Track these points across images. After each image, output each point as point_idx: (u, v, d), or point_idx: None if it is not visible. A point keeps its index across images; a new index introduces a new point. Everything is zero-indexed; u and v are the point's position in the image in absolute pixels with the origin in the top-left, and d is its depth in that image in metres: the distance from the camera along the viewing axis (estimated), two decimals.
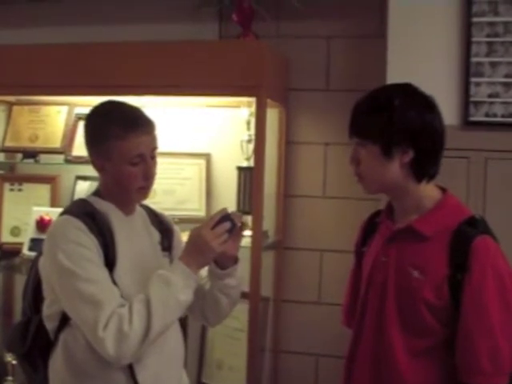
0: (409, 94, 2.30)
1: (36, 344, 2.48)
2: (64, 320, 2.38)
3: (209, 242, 2.32)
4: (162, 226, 2.69)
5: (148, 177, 2.45)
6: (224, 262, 2.49)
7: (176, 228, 2.78)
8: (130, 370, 2.35)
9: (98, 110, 2.52)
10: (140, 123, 2.42)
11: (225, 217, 2.37)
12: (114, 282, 2.34)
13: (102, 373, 2.34)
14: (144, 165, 2.42)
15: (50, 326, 2.43)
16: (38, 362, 2.49)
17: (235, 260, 2.53)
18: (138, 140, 2.39)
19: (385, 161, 2.25)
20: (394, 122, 2.22)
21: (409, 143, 2.23)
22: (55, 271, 2.34)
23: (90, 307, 2.24)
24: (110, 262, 2.36)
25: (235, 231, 2.40)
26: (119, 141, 2.38)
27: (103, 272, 2.32)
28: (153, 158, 2.47)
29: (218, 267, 2.49)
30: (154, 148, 2.48)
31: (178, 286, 2.28)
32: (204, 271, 2.51)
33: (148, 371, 2.39)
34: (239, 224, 2.42)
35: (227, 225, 2.36)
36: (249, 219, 3.53)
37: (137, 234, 2.55)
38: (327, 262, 3.94)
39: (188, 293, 2.31)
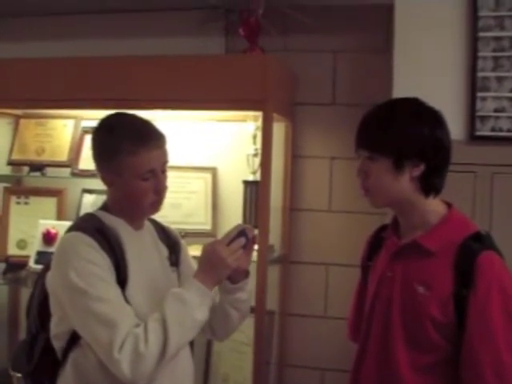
0: (419, 108, 2.31)
1: (42, 363, 2.42)
2: (73, 339, 2.32)
3: (225, 258, 2.27)
4: (170, 240, 2.64)
5: (159, 191, 2.39)
6: (235, 277, 2.44)
7: (183, 242, 2.75)
8: None
9: (106, 123, 2.45)
10: (151, 137, 2.37)
11: (240, 232, 2.34)
12: (127, 301, 2.27)
13: None
14: (155, 179, 2.36)
15: (58, 344, 2.36)
16: (44, 381, 2.43)
17: (246, 274, 2.49)
18: (149, 155, 2.33)
19: (396, 174, 2.24)
20: (408, 136, 2.22)
21: (420, 157, 2.23)
22: (66, 289, 2.27)
23: (103, 327, 2.17)
24: (121, 280, 2.30)
25: (248, 245, 2.38)
26: (130, 156, 2.31)
27: (116, 291, 2.26)
28: (163, 171, 2.42)
29: (229, 281, 2.44)
30: (165, 162, 2.43)
31: (193, 305, 2.22)
32: None
33: None
34: (251, 237, 2.38)
35: (242, 240, 2.33)
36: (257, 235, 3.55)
37: (146, 250, 2.50)
38: (333, 276, 3.93)
39: (204, 311, 2.25)
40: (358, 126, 2.35)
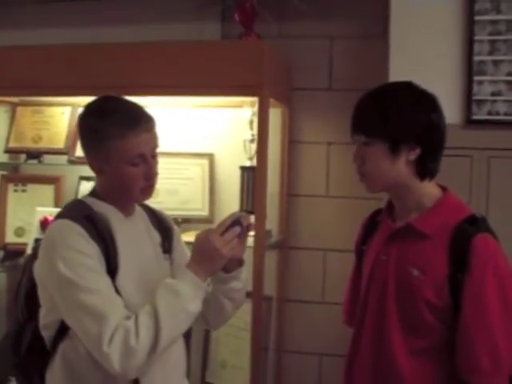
0: (414, 92, 2.31)
1: (31, 353, 2.35)
2: (62, 329, 2.25)
3: (219, 248, 2.18)
4: (162, 225, 2.57)
5: (150, 177, 2.31)
6: (229, 265, 2.35)
7: (176, 227, 2.67)
8: (135, 381, 2.23)
9: (92, 108, 2.37)
10: (139, 120, 2.28)
11: (235, 221, 2.25)
12: (117, 291, 2.20)
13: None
14: (145, 165, 2.29)
15: (48, 334, 2.30)
16: (32, 372, 2.36)
17: (240, 262, 2.41)
18: (137, 139, 2.24)
19: (392, 158, 2.25)
20: (404, 120, 2.23)
21: (416, 140, 2.23)
22: (54, 280, 2.19)
23: (93, 319, 2.10)
24: (111, 270, 2.23)
25: (243, 233, 2.29)
26: (118, 140, 2.23)
27: (106, 281, 2.18)
28: (154, 156, 2.33)
29: (222, 271, 2.35)
30: (155, 146, 2.34)
31: (187, 297, 2.14)
32: None
33: (151, 380, 2.28)
34: (246, 225, 2.29)
35: (237, 229, 2.24)
36: (252, 219, 3.54)
37: (138, 237, 2.43)
38: (330, 262, 3.94)
39: (197, 302, 2.17)
40: (353, 111, 2.35)
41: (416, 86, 2.33)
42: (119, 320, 2.10)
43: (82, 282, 2.13)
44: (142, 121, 2.29)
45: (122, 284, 2.25)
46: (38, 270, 2.29)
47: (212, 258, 2.21)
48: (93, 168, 2.37)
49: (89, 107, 2.38)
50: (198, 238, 2.26)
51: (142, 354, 2.09)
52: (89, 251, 2.19)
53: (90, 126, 2.32)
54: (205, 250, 2.21)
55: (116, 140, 2.24)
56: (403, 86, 2.33)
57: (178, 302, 2.14)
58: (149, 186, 2.35)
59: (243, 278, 2.46)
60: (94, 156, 2.33)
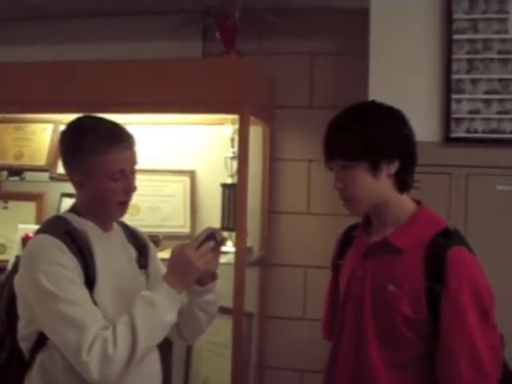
0: (382, 109, 2.34)
1: (10, 365, 2.41)
2: (40, 340, 2.31)
3: (195, 262, 2.26)
4: (138, 242, 2.64)
5: (128, 192, 2.41)
6: (203, 279, 2.43)
7: (151, 244, 2.74)
8: None
9: (74, 126, 2.44)
10: (122, 138, 2.38)
11: (209, 235, 2.33)
12: (95, 303, 2.27)
13: None
14: (125, 180, 2.38)
15: (26, 345, 2.35)
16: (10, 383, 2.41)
17: (214, 276, 2.49)
18: (120, 155, 2.35)
19: (374, 175, 2.26)
20: (380, 137, 2.25)
21: (394, 154, 2.26)
22: (34, 292, 2.26)
23: (72, 330, 2.17)
24: (90, 282, 2.29)
25: (216, 247, 2.37)
26: (101, 156, 2.32)
27: (85, 293, 2.25)
28: (132, 172, 2.43)
29: (197, 284, 2.43)
30: (134, 163, 2.44)
31: (163, 308, 2.22)
32: None
33: None
34: (219, 239, 2.37)
35: (211, 244, 2.31)
36: (233, 236, 3.56)
37: (115, 252, 2.50)
38: (311, 278, 3.95)
39: (172, 314, 2.26)
40: (325, 138, 2.35)
41: (381, 103, 2.36)
42: (97, 330, 2.17)
43: (62, 294, 2.20)
44: (123, 139, 2.39)
45: (100, 296, 2.31)
46: (19, 283, 2.34)
47: (187, 270, 2.29)
48: (74, 183, 2.44)
49: (71, 125, 2.46)
50: (173, 251, 2.34)
51: (120, 362, 2.16)
52: (68, 264, 2.25)
53: (72, 142, 2.40)
54: (180, 263, 2.29)
55: (99, 156, 2.33)
56: (368, 105, 2.39)
57: (155, 312, 2.21)
58: (126, 201, 2.44)
59: (216, 291, 2.53)
60: (75, 171, 2.40)
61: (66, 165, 2.45)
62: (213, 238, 2.33)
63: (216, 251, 2.38)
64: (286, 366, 3.99)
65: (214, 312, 2.60)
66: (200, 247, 2.30)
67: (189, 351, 3.94)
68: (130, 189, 2.41)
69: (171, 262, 2.32)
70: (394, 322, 2.23)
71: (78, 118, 2.47)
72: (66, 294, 2.20)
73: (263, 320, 4.00)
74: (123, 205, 2.44)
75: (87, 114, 2.50)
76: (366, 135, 2.25)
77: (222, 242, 2.42)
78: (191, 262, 2.27)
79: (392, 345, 2.26)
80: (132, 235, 2.65)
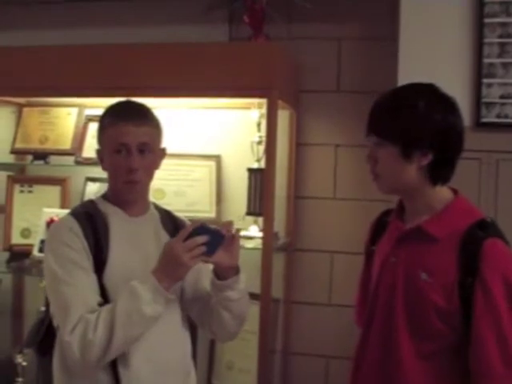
0: (433, 95, 2.26)
1: (46, 341, 2.50)
2: None
3: (180, 255, 2.23)
4: (177, 229, 2.53)
5: (130, 170, 2.38)
6: (223, 273, 2.39)
7: None
8: (115, 372, 2.33)
9: (108, 108, 2.52)
10: (132, 113, 2.41)
11: (198, 229, 2.26)
12: (102, 285, 2.33)
13: (89, 373, 2.33)
14: (128, 156, 2.38)
15: (55, 322, 2.41)
16: (47, 354, 2.50)
17: (236, 271, 2.42)
18: (124, 128, 2.37)
19: (403, 162, 2.21)
20: (417, 125, 2.18)
21: (429, 146, 2.19)
22: (45, 270, 2.39)
23: (61, 309, 2.29)
24: (100, 264, 2.35)
25: (227, 241, 2.30)
26: (110, 128, 2.40)
27: (86, 276, 2.31)
28: (142, 151, 2.39)
29: (217, 278, 2.40)
30: (144, 143, 2.40)
31: (144, 300, 2.22)
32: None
33: (134, 375, 2.35)
34: (230, 233, 2.32)
35: (201, 238, 2.24)
36: (259, 221, 3.54)
37: (142, 237, 2.49)
38: (337, 264, 3.94)
39: (155, 307, 2.25)
40: (370, 111, 2.31)
41: (436, 89, 2.28)
42: (82, 313, 2.24)
43: (63, 275, 2.30)
44: (134, 114, 2.43)
45: (109, 278, 2.36)
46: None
47: (173, 264, 2.27)
48: (99, 159, 2.53)
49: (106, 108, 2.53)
50: (165, 244, 2.34)
51: (98, 347, 2.22)
52: (76, 245, 2.34)
53: (99, 121, 2.51)
54: (168, 256, 2.28)
55: (108, 128, 2.42)
56: (423, 88, 2.29)
57: (136, 304, 2.24)
58: (130, 180, 2.41)
59: (241, 289, 2.45)
60: (98, 146, 2.51)
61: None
62: (207, 232, 2.26)
63: (229, 245, 2.33)
64: (311, 352, 3.98)
65: (238, 311, 2.50)
66: (186, 240, 2.25)
67: None
68: (130, 167, 2.37)
69: (161, 255, 2.31)
70: (425, 311, 2.20)
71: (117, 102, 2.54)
72: (66, 275, 2.29)
73: (289, 306, 3.99)
74: (128, 184, 2.41)
75: (123, 98, 2.57)
76: (397, 118, 2.20)
77: (236, 234, 2.37)
78: (176, 255, 2.24)
79: (422, 334, 2.23)
80: (172, 222, 2.62)
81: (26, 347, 3.01)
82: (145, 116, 2.44)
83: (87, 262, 2.33)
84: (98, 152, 2.50)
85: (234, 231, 2.36)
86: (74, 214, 2.42)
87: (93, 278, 2.33)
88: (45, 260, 2.39)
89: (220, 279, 2.40)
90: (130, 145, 2.38)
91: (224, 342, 3.52)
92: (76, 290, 2.27)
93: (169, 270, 2.27)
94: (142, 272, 2.35)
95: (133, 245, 2.44)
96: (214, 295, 2.46)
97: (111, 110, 2.47)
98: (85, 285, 2.30)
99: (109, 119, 2.42)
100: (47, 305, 2.50)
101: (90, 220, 2.39)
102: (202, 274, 2.50)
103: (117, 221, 2.44)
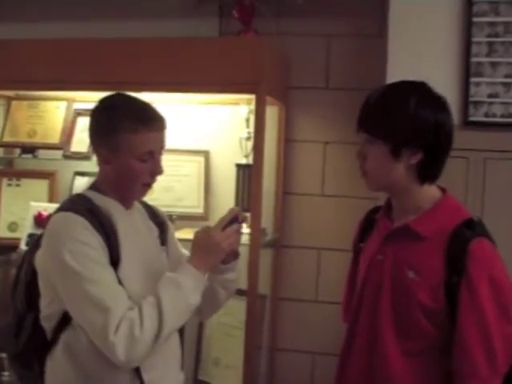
0: (424, 94, 2.25)
1: (31, 344, 2.42)
2: (64, 320, 2.31)
3: (220, 243, 2.32)
4: (158, 219, 2.64)
5: (155, 174, 2.42)
6: (226, 258, 2.45)
7: (169, 222, 2.75)
8: (136, 370, 2.31)
9: (108, 101, 2.45)
10: (153, 118, 2.39)
11: (234, 218, 2.38)
12: (120, 281, 2.28)
13: (108, 374, 2.29)
14: (153, 162, 2.39)
15: (49, 325, 2.36)
16: (32, 363, 2.43)
17: (236, 255, 2.51)
18: (149, 135, 2.35)
19: (392, 161, 2.21)
20: (408, 124, 2.18)
21: (419, 145, 2.19)
22: (59, 272, 2.26)
23: (98, 311, 2.17)
24: (114, 260, 2.30)
25: (239, 228, 2.42)
26: (130, 134, 2.32)
27: (110, 273, 2.26)
28: (161, 155, 2.43)
29: (220, 262, 2.45)
30: (163, 146, 2.44)
31: (188, 290, 2.25)
32: None
33: (154, 372, 2.36)
34: (241, 220, 2.42)
35: (236, 226, 2.38)
36: (247, 217, 3.54)
37: (139, 229, 2.51)
38: (325, 261, 3.94)
39: (197, 296, 2.29)
40: (361, 107, 2.31)
41: (428, 88, 2.27)
42: (124, 311, 2.19)
43: (87, 274, 2.21)
44: (154, 119, 2.40)
45: (125, 274, 2.32)
46: (42, 262, 2.36)
47: (213, 251, 2.34)
48: (99, 157, 2.44)
49: (103, 101, 2.47)
50: (197, 234, 2.38)
51: (146, 343, 2.18)
52: (93, 243, 2.26)
53: (104, 117, 2.40)
54: (206, 245, 2.34)
55: (129, 133, 2.33)
56: (414, 87, 2.27)
57: (180, 294, 2.24)
58: (151, 183, 2.45)
59: (238, 270, 2.58)
60: (103, 145, 2.40)
61: (94, 138, 2.45)
62: (236, 220, 2.38)
63: (238, 231, 2.43)
64: (297, 348, 3.98)
65: (233, 289, 2.65)
66: (225, 229, 2.34)
67: (200, 332, 3.94)
68: (157, 172, 2.42)
69: (196, 244, 2.36)
70: (411, 309, 2.20)
71: (112, 95, 2.49)
72: (92, 274, 2.21)
73: (275, 302, 3.99)
74: (147, 186, 2.45)
75: (111, 92, 2.51)
76: (389, 118, 2.20)
77: (243, 221, 2.46)
78: (216, 243, 2.32)
79: (408, 332, 2.23)
80: (152, 213, 2.65)
81: None
82: (161, 119, 2.44)
83: (105, 259, 2.28)
84: (100, 153, 2.42)
85: (241, 218, 2.43)
86: (75, 211, 2.31)
87: (115, 274, 2.29)
88: (55, 259, 2.25)
89: (222, 262, 2.46)
90: (155, 151, 2.40)
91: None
92: (108, 288, 2.22)
93: (207, 257, 2.34)
94: (154, 263, 2.43)
95: (135, 238, 2.44)
96: (212, 276, 2.50)
97: (124, 111, 2.36)
98: (114, 282, 2.26)
99: (127, 124, 2.32)
100: (30, 302, 2.43)
101: (94, 216, 2.32)
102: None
103: (118, 215, 2.41)
